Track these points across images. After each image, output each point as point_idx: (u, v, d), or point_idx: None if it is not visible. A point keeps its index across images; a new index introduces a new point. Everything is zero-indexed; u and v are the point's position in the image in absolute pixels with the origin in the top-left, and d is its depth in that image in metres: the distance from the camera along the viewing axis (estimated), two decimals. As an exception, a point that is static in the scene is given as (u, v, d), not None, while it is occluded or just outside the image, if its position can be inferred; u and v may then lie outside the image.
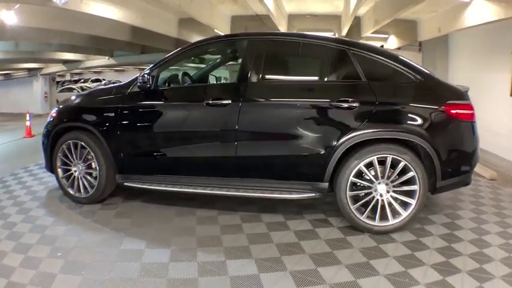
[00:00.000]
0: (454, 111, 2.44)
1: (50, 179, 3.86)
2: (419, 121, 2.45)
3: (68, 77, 28.03)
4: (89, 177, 3.10)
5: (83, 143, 3.05)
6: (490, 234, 2.56)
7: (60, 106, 3.36)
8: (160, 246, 2.41)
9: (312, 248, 2.39)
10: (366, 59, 2.60)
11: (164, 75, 3.03)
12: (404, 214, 2.52)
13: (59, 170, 3.21)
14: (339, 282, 2.00)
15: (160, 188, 2.91)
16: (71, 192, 3.18)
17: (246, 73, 2.70)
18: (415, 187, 2.48)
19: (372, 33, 8.00)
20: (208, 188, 2.82)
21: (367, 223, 2.56)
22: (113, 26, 7.41)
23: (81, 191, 3.13)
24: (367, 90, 2.53)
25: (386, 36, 8.98)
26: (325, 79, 2.64)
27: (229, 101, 2.64)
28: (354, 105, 2.48)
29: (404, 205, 2.53)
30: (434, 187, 2.53)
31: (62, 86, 21.08)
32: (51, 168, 3.28)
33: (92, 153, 3.02)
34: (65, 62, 15.02)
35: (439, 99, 2.49)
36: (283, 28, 8.04)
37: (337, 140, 2.50)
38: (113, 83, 23.06)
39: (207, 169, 2.80)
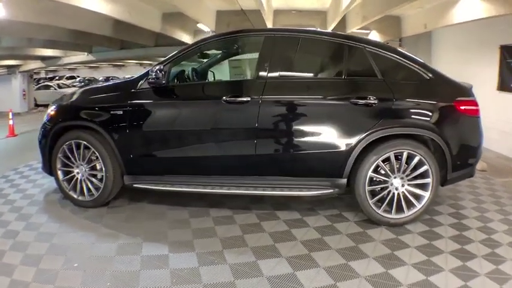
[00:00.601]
0: (462, 107, 2.58)
1: (44, 181, 3.62)
2: (433, 117, 2.56)
3: (42, 74, 26.54)
4: (93, 179, 2.93)
5: (86, 143, 2.86)
6: (493, 221, 2.76)
7: (59, 103, 3.11)
8: (185, 250, 2.35)
9: (337, 243, 2.45)
10: (381, 56, 2.66)
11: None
12: (419, 206, 2.64)
13: (59, 172, 3.00)
14: (372, 274, 2.08)
15: (173, 188, 2.82)
16: (74, 195, 2.99)
17: (264, 69, 2.66)
18: (429, 180, 2.60)
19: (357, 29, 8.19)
20: (225, 187, 2.77)
21: (384, 216, 2.65)
22: (96, 20, 7.18)
23: (85, 193, 2.95)
24: (384, 87, 2.60)
25: (368, 31, 9.22)
26: (343, 76, 2.67)
27: (249, 98, 2.60)
28: (373, 102, 2.54)
29: (418, 197, 2.65)
30: (445, 179, 2.67)
31: (38, 83, 19.83)
32: (50, 170, 3.05)
33: (97, 154, 2.85)
34: (43, 58, 14.36)
35: (448, 96, 2.61)
36: (270, 23, 8.01)
37: (357, 137, 2.55)
38: (88, 79, 22.31)
39: (224, 168, 2.76)
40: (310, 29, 2.85)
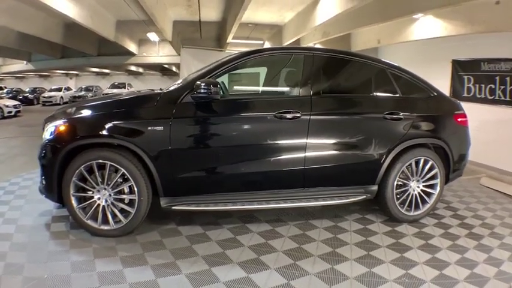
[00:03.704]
0: (459, 119, 3.21)
1: (27, 205, 2.99)
2: (442, 128, 3.12)
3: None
4: (121, 205, 2.57)
5: (113, 164, 2.50)
6: (479, 210, 3.43)
7: (71, 117, 2.61)
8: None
9: (383, 241, 2.74)
10: (398, 76, 3.11)
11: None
12: (430, 202, 3.14)
13: (73, 199, 2.53)
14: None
15: (217, 208, 2.70)
16: (93, 224, 2.58)
17: (308, 86, 2.80)
18: (437, 181, 3.13)
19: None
20: (272, 202, 2.79)
21: (405, 214, 3.07)
22: (49, 25, 6.25)
23: (110, 222, 2.56)
24: (405, 103, 3.03)
25: (313, 43, 10.09)
26: (374, 94, 3.01)
27: (299, 114, 2.69)
28: (400, 117, 2.94)
29: (429, 195, 3.16)
30: (447, 179, 3.25)
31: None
32: (59, 197, 2.55)
33: (128, 175, 2.52)
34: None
35: (450, 110, 3.21)
36: (231, 35, 8.08)
37: (389, 147, 2.91)
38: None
39: (273, 182, 2.77)
40: (345, 50, 3.09)
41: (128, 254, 2.40)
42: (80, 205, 2.56)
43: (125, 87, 22.38)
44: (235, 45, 10.60)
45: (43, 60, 12.22)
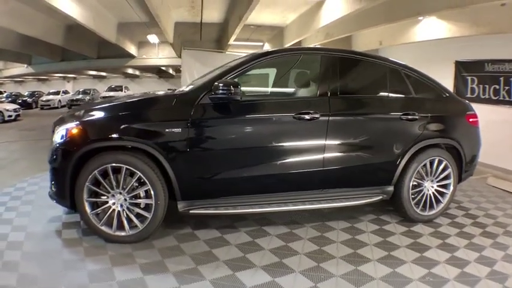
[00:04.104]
0: (471, 120, 3.23)
1: (35, 211, 2.92)
2: (455, 129, 3.14)
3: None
4: (137, 209, 2.49)
5: (130, 167, 2.42)
6: (490, 209, 3.46)
7: (84, 119, 2.51)
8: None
9: (401, 241, 2.73)
10: (412, 77, 3.11)
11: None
12: (444, 202, 3.15)
13: (86, 204, 2.44)
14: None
15: (235, 211, 2.65)
16: (108, 230, 2.49)
17: (327, 87, 2.78)
18: (450, 181, 3.14)
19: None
20: (290, 204, 2.75)
21: (420, 214, 3.07)
22: (50, 26, 6.19)
23: (126, 227, 2.47)
24: (419, 104, 3.04)
25: (314, 45, 10.09)
26: (389, 94, 3.00)
27: (318, 115, 2.66)
28: (416, 117, 2.95)
29: (442, 195, 3.16)
30: (460, 178, 3.27)
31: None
32: (71, 202, 2.46)
33: (145, 179, 2.44)
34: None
35: (462, 111, 3.24)
36: (234, 36, 8.02)
37: (405, 148, 2.91)
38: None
39: (292, 184, 2.74)
40: (363, 52, 3.09)
41: (146, 260, 2.32)
42: (94, 211, 2.47)
43: (122, 90, 22.37)
44: (235, 47, 10.57)
45: (43, 63, 12.02)
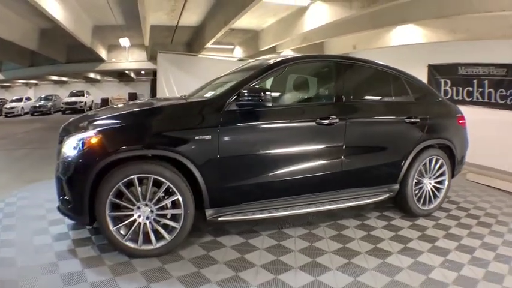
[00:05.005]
0: (460, 121, 3.58)
1: (35, 228, 2.73)
2: (449, 129, 3.45)
3: None
4: (164, 220, 2.41)
5: (158, 177, 2.33)
6: (478, 202, 3.85)
7: (104, 127, 2.36)
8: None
9: (411, 234, 2.95)
10: (411, 83, 3.38)
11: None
12: (440, 197, 3.45)
13: (108, 220, 2.29)
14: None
15: (261, 215, 2.67)
16: (133, 245, 2.37)
17: (341, 93, 2.92)
18: (445, 177, 3.46)
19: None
20: (312, 206, 2.84)
21: (421, 208, 3.34)
22: (26, 30, 5.66)
23: (153, 240, 2.38)
24: (419, 108, 3.30)
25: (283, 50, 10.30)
26: (394, 99, 3.23)
27: (337, 120, 2.79)
28: (417, 120, 3.20)
29: (438, 191, 3.46)
30: (452, 175, 3.60)
31: None
32: (91, 218, 2.30)
33: (174, 188, 2.37)
34: None
35: (453, 113, 3.57)
36: (211, 39, 7.89)
37: (410, 148, 3.15)
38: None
39: (314, 186, 2.83)
40: (372, 60, 3.27)
41: (182, 273, 2.24)
42: (117, 226, 2.33)
43: (83, 95, 22.06)
44: (207, 50, 10.43)
45: (13, 69, 10.85)
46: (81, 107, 20.54)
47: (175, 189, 2.38)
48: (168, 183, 2.36)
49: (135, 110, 2.68)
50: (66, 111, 20.24)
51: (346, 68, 3.05)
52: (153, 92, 16.80)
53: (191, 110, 2.53)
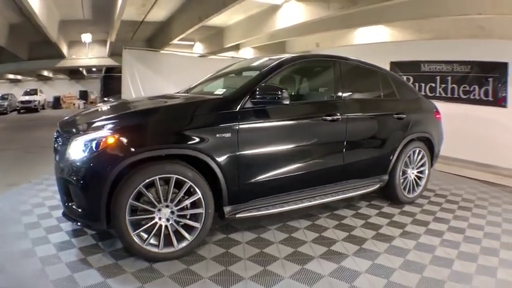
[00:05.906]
0: (437, 116, 4.00)
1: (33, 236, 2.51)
2: (429, 124, 3.83)
3: None
4: (185, 221, 2.38)
5: (180, 177, 2.29)
6: (452, 189, 4.30)
7: (119, 126, 2.25)
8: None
9: (404, 220, 3.24)
10: (396, 81, 3.70)
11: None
12: (422, 185, 3.82)
13: (128, 224, 2.20)
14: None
15: (275, 210, 2.76)
16: (154, 249, 2.31)
17: (340, 91, 3.13)
18: (426, 167, 3.84)
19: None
20: (318, 198, 2.99)
21: (407, 196, 3.67)
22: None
23: (174, 242, 2.33)
24: (404, 105, 3.63)
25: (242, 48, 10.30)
26: (383, 97, 3.51)
27: (340, 116, 2.97)
28: (404, 116, 3.52)
29: (420, 179, 3.84)
30: (431, 165, 4.01)
31: None
32: (108, 222, 2.21)
33: (195, 187, 2.35)
34: None
35: (431, 109, 3.97)
36: (175, 37, 7.63)
37: (398, 141, 3.46)
38: None
39: (320, 179, 2.99)
40: (366, 61, 3.51)
41: (212, 273, 2.22)
42: (137, 230, 2.25)
43: (36, 94, 21.18)
44: (168, 47, 10.12)
45: None
46: (35, 105, 19.73)
47: (196, 189, 2.36)
48: (190, 183, 2.33)
49: (153, 107, 2.59)
50: (21, 111, 19.32)
51: (347, 67, 3.27)
52: (105, 90, 15.85)
53: (210, 108, 2.51)
